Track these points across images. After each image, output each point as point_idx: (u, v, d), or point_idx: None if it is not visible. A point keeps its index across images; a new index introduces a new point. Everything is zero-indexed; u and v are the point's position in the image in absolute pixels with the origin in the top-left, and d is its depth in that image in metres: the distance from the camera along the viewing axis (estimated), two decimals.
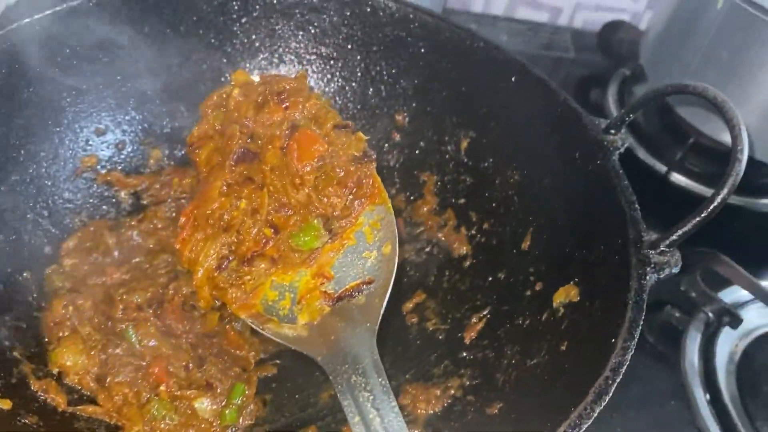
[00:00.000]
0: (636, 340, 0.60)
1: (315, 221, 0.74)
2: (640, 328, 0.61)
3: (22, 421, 0.63)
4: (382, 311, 0.71)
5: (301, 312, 0.72)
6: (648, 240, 0.68)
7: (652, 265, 0.66)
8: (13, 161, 0.79)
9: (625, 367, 0.58)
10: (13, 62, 0.77)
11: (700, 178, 1.20)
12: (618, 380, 0.57)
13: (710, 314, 1.01)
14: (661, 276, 0.66)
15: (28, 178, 0.81)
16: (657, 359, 1.00)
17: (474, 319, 0.81)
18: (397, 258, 0.74)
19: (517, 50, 1.41)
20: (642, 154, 1.24)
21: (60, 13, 0.81)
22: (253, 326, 0.72)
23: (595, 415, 0.55)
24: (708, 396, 0.94)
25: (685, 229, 0.66)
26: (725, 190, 0.65)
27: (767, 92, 1.07)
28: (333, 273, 0.74)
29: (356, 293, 0.73)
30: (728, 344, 1.00)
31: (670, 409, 0.94)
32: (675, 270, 0.67)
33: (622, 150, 0.77)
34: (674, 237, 0.67)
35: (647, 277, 0.65)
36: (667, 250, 0.67)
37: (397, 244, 0.75)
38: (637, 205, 0.71)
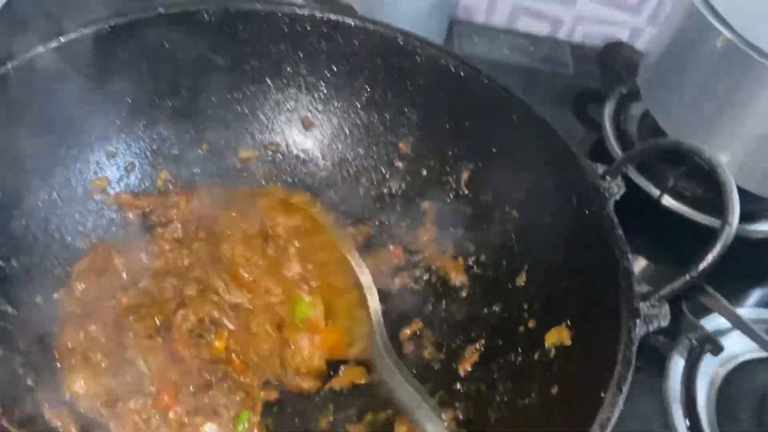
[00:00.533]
0: (624, 395, 0.63)
1: None
2: (629, 383, 0.64)
3: None
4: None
5: None
6: (639, 292, 0.71)
7: (642, 318, 0.69)
8: (27, 187, 0.81)
9: (612, 423, 0.61)
10: (29, 89, 0.78)
11: (692, 203, 1.23)
12: None
13: (693, 341, 1.05)
14: (650, 329, 0.69)
15: (40, 203, 0.83)
16: (642, 382, 1.04)
17: (468, 352, 0.84)
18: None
19: (517, 64, 1.46)
20: (635, 176, 1.26)
21: (76, 41, 0.82)
22: None
23: None
24: (687, 422, 0.98)
25: (674, 286, 0.70)
26: (717, 250, 0.68)
27: (759, 127, 1.10)
28: None
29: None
30: (709, 371, 1.04)
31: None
32: (663, 323, 0.70)
33: (617, 197, 0.80)
34: (664, 292, 0.70)
35: (636, 330, 0.68)
36: (656, 303, 0.71)
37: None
38: (629, 255, 0.74)
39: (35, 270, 0.80)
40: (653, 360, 1.05)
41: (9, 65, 0.77)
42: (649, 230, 1.17)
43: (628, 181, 1.20)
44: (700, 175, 1.21)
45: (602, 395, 0.63)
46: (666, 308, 0.71)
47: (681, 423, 0.98)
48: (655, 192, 1.23)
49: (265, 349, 0.82)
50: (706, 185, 1.22)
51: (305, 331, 0.83)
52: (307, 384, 0.82)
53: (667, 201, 1.23)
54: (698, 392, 1.00)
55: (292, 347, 0.82)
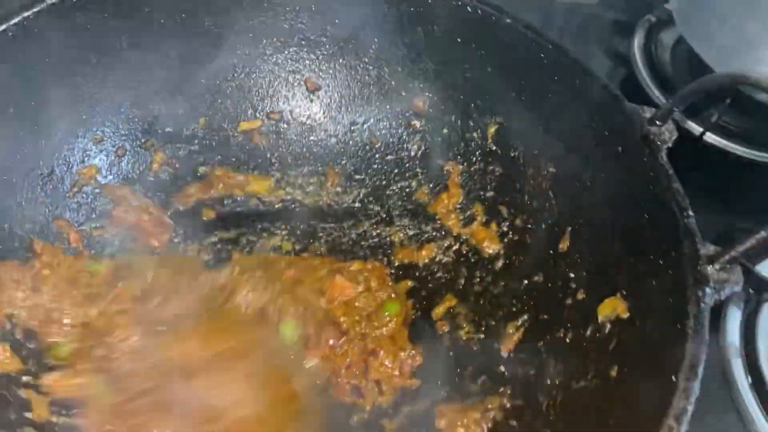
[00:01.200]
0: (699, 378, 0.55)
1: None
2: (703, 365, 0.56)
3: None
4: None
5: None
6: (705, 254, 0.62)
7: (712, 285, 0.61)
8: (5, 184, 0.73)
9: (689, 414, 0.53)
10: None
11: (736, 138, 1.13)
12: (684, 430, 0.52)
13: (750, 290, 0.96)
14: (722, 296, 0.61)
15: (23, 201, 0.75)
16: None
17: (510, 329, 0.77)
18: None
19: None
20: (675, 115, 1.16)
21: (40, 14, 0.73)
22: None
23: None
24: (750, 378, 0.91)
25: (747, 245, 0.61)
26: None
27: None
28: None
29: None
30: None
31: (710, 393, 0.91)
32: (737, 289, 0.61)
33: (670, 144, 0.71)
34: (735, 253, 0.61)
35: (707, 299, 0.60)
36: (727, 265, 0.62)
37: None
38: (691, 212, 0.65)
39: None
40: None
41: None
42: (695, 174, 1.07)
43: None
44: (745, 107, 1.11)
45: (673, 379, 0.55)
46: (738, 271, 0.62)
47: (742, 378, 0.90)
48: (697, 129, 1.13)
49: None
50: (750, 117, 1.12)
51: None
52: None
53: (711, 138, 1.13)
54: (759, 345, 0.92)
55: None
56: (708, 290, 0.60)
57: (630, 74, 1.21)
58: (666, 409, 0.54)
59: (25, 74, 0.74)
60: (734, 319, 0.96)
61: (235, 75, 0.89)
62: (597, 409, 0.62)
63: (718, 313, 0.96)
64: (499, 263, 0.83)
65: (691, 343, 0.57)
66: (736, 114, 1.13)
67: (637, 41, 1.27)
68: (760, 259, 0.99)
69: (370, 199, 0.91)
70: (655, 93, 1.16)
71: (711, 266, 0.62)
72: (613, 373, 0.63)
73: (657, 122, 0.71)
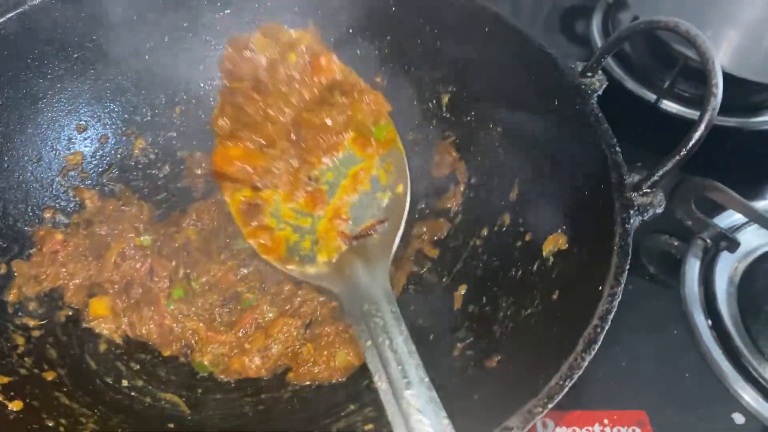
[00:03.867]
0: (622, 286, 0.61)
1: None
2: (626, 273, 0.61)
3: None
4: (394, 248, 0.79)
5: (320, 251, 0.80)
6: (630, 182, 0.68)
7: (636, 208, 0.66)
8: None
9: (612, 314, 0.59)
10: None
11: (691, 103, 1.19)
12: (606, 328, 0.58)
13: (707, 240, 1.01)
14: (646, 217, 0.67)
15: (14, 184, 0.81)
16: (658, 288, 1.02)
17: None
18: (409, 197, 0.82)
19: None
20: (630, 84, 1.22)
21: (23, 13, 0.80)
22: (278, 267, 0.79)
23: (585, 364, 0.56)
24: (709, 321, 0.95)
25: (666, 168, 0.67)
26: (702, 127, 0.65)
27: (751, 11, 1.05)
28: (349, 215, 0.81)
29: (372, 232, 0.80)
30: (727, 268, 1.00)
31: (672, 336, 0.96)
32: (659, 210, 0.67)
33: (600, 92, 0.77)
34: (656, 177, 0.67)
35: (631, 221, 0.65)
36: (650, 191, 0.67)
37: (409, 185, 0.83)
38: (617, 148, 0.71)
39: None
40: (668, 265, 1.03)
41: None
42: (652, 137, 1.13)
43: (624, 90, 1.20)
44: (694, 73, 1.17)
45: (600, 289, 0.61)
46: (661, 195, 0.67)
47: (702, 323, 0.95)
48: (652, 96, 1.19)
49: None
50: (700, 83, 1.17)
51: None
52: None
53: (665, 104, 1.19)
54: (717, 290, 0.97)
55: None
56: (632, 212, 0.66)
57: (591, 53, 1.27)
58: (593, 312, 0.59)
59: (8, 69, 0.81)
60: (693, 269, 1.01)
61: (209, 64, 0.95)
62: (541, 328, 0.68)
63: (678, 263, 1.01)
64: (458, 218, 0.88)
65: (615, 258, 0.62)
66: (687, 81, 1.19)
67: (596, 22, 1.35)
68: (716, 212, 1.04)
69: None
70: (616, 69, 1.22)
71: (635, 193, 0.67)
72: (555, 296, 0.69)
73: (588, 73, 0.78)
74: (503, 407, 0.55)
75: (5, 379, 0.69)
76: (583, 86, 0.77)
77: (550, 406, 0.53)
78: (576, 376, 0.55)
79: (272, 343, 0.79)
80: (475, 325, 0.76)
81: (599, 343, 0.57)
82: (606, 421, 0.84)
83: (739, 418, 0.86)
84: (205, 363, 0.79)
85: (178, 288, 0.83)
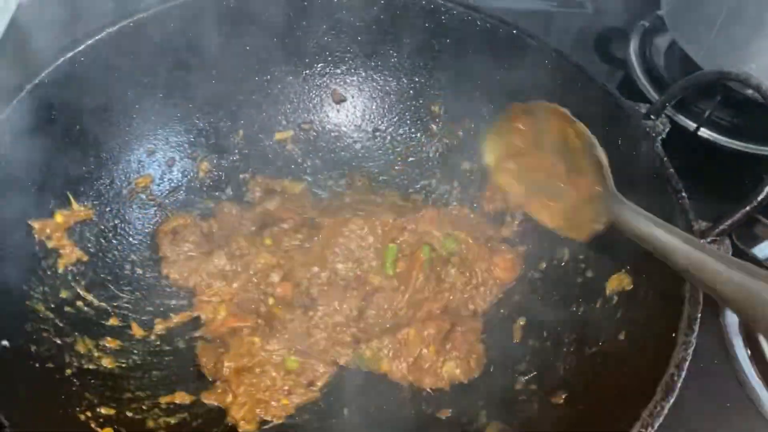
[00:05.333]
0: (696, 333, 0.63)
1: None
2: (699, 321, 0.64)
3: None
4: None
5: None
6: (698, 230, 0.71)
7: None
8: (74, 192, 0.82)
9: (687, 362, 0.61)
10: (64, 97, 0.79)
11: (730, 132, 1.20)
12: (683, 376, 0.60)
13: None
14: None
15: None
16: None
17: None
18: None
19: (533, 8, 1.43)
20: (669, 111, 1.24)
21: (101, 41, 0.82)
22: None
23: (665, 412, 0.59)
24: (749, 351, 0.98)
25: (734, 219, 0.69)
26: None
27: None
28: None
29: None
30: None
31: (713, 365, 0.98)
32: None
33: (664, 135, 0.79)
34: (724, 227, 0.70)
35: None
36: (717, 238, 0.70)
37: None
38: (684, 194, 0.73)
39: None
40: (709, 297, 1.05)
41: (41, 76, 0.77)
42: (690, 166, 1.15)
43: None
44: (734, 103, 1.19)
45: (673, 335, 0.63)
46: (727, 243, 0.70)
47: (742, 353, 0.97)
48: (692, 125, 1.21)
49: None
50: (742, 112, 1.20)
51: None
52: None
53: (705, 133, 1.21)
54: None
55: None
56: None
57: (627, 77, 1.29)
58: (668, 360, 0.62)
59: (84, 98, 0.83)
60: None
61: (269, 91, 0.98)
62: (609, 368, 0.70)
63: None
64: (520, 249, 0.91)
65: (687, 305, 0.65)
66: (726, 110, 1.21)
67: (633, 46, 1.36)
68: (754, 242, 1.07)
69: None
70: (651, 92, 1.24)
71: (703, 240, 0.70)
72: (621, 337, 0.72)
73: (651, 116, 0.80)
74: None
75: None
76: (647, 129, 0.79)
77: None
78: (657, 424, 0.58)
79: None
80: (537, 359, 0.79)
81: (676, 391, 0.60)
82: None
83: None
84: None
85: None
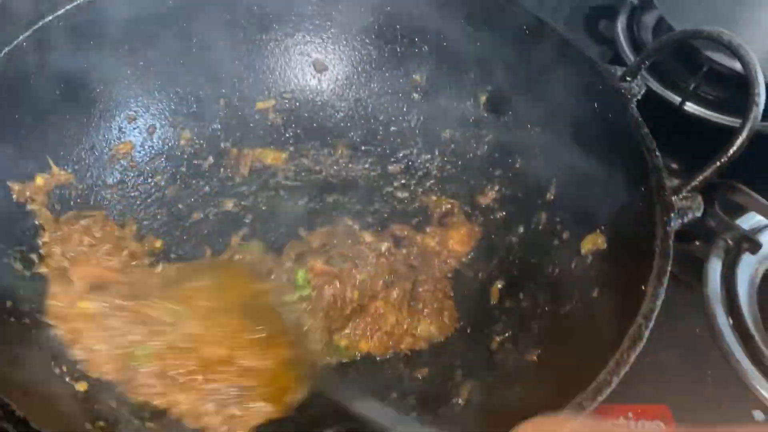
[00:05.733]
0: (665, 286, 0.63)
1: None
2: (668, 273, 0.64)
3: None
4: None
5: None
6: (670, 186, 0.71)
7: (676, 211, 0.69)
8: (54, 156, 0.83)
9: (656, 312, 0.61)
10: (42, 62, 0.80)
11: (715, 106, 1.21)
12: (651, 326, 0.61)
13: (730, 241, 1.04)
14: (685, 221, 0.69)
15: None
16: (680, 288, 1.04)
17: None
18: None
19: None
20: (655, 86, 1.24)
21: (80, 6, 0.82)
22: None
23: (631, 360, 0.59)
24: (731, 320, 0.98)
25: (706, 174, 0.69)
26: (744, 134, 0.67)
27: None
28: None
29: None
30: (748, 270, 1.03)
31: (694, 334, 0.98)
32: (698, 214, 0.70)
33: (639, 97, 0.79)
34: (695, 183, 0.70)
35: (672, 223, 0.68)
36: (689, 195, 0.70)
37: None
38: (657, 153, 0.74)
39: None
40: (691, 267, 1.05)
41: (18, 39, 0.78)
42: (675, 139, 1.15)
43: (648, 91, 1.22)
44: (719, 77, 1.19)
45: (643, 288, 0.63)
46: (699, 199, 0.70)
47: (724, 323, 0.97)
48: (676, 99, 1.21)
49: None
50: (726, 87, 1.20)
51: None
52: None
53: (690, 107, 1.21)
54: (739, 291, 0.99)
55: None
56: (672, 215, 0.68)
57: (616, 55, 1.29)
58: (637, 311, 0.62)
59: (63, 63, 0.83)
60: (715, 269, 1.03)
61: (250, 60, 0.98)
62: (581, 325, 0.71)
63: (700, 264, 1.04)
64: (497, 215, 0.91)
65: (657, 259, 0.65)
66: (711, 84, 1.21)
67: (621, 23, 1.36)
68: (738, 213, 1.07)
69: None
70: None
71: (675, 196, 0.70)
72: (595, 294, 0.72)
73: (627, 78, 0.80)
74: (548, 401, 0.58)
75: None
76: (623, 90, 0.79)
77: (599, 399, 0.56)
78: (623, 372, 0.58)
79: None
80: (513, 320, 0.79)
81: (644, 340, 0.60)
82: (630, 415, 0.87)
83: (759, 415, 0.89)
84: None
85: None
